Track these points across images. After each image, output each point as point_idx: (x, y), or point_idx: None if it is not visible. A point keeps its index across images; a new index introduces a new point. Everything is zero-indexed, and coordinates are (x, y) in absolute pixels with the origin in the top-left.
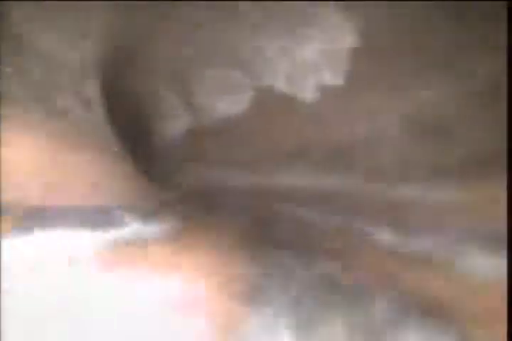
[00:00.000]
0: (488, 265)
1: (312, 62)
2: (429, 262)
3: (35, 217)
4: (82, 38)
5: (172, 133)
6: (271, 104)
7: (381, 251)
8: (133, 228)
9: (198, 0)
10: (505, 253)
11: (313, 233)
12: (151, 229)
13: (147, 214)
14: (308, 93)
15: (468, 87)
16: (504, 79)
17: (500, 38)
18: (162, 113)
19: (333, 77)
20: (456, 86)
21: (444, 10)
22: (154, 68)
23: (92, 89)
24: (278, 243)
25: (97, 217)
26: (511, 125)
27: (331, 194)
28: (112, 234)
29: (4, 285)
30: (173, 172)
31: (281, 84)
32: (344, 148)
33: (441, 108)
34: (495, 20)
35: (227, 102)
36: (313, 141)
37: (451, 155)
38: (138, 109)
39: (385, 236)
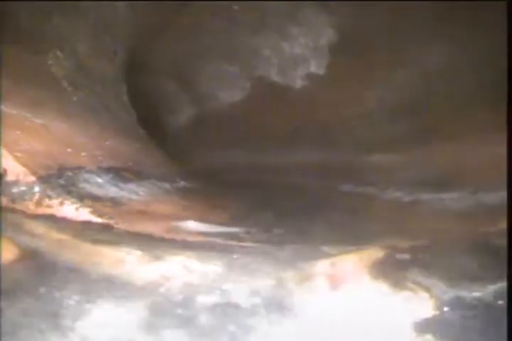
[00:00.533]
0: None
1: (299, 55)
2: (400, 203)
3: None
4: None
5: (180, 120)
6: (265, 92)
7: (363, 198)
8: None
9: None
10: None
11: (306, 195)
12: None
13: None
14: (297, 81)
15: (425, 74)
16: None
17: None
18: (171, 104)
19: (317, 68)
20: (418, 72)
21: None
22: (163, 67)
23: (122, 90)
24: (274, 207)
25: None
26: (511, 125)
27: (320, 164)
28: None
29: None
30: (182, 152)
31: (273, 75)
32: (329, 126)
33: (408, 91)
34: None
35: (227, 92)
36: (303, 121)
37: (415, 129)
38: (152, 102)
39: (367, 190)
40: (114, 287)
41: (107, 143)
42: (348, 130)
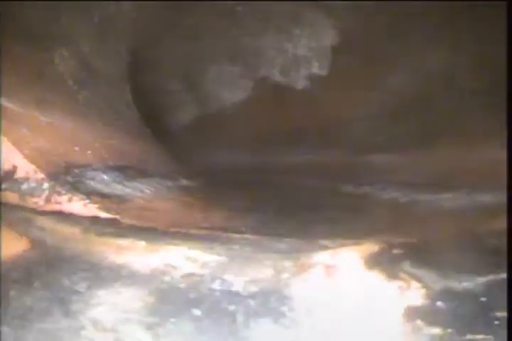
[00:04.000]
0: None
1: (302, 56)
2: (397, 203)
3: None
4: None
5: (183, 119)
6: (268, 93)
7: (362, 197)
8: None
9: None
10: None
11: (307, 194)
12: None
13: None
14: (299, 82)
15: (425, 75)
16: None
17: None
18: (174, 103)
19: (319, 69)
20: (418, 74)
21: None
22: (166, 67)
23: (126, 89)
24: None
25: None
26: (511, 125)
27: (321, 164)
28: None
29: None
30: (184, 151)
31: (276, 75)
32: (330, 127)
33: (408, 94)
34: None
35: (230, 92)
36: (305, 122)
37: (414, 131)
38: (155, 101)
39: (366, 190)
40: (120, 275)
41: (112, 141)
42: (349, 131)
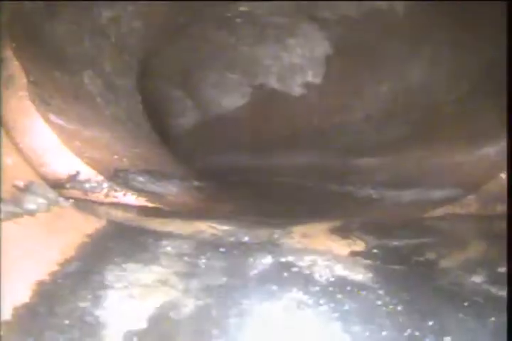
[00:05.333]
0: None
1: (297, 65)
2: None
3: None
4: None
5: (186, 124)
6: (265, 99)
7: (344, 195)
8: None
9: None
10: None
11: (296, 191)
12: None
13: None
14: (294, 89)
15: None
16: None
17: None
18: (178, 110)
19: (313, 77)
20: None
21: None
22: (171, 76)
23: (138, 100)
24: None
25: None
26: (511, 123)
27: (311, 166)
28: None
29: None
30: (189, 155)
31: (273, 83)
32: (323, 131)
33: (393, 103)
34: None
35: (230, 98)
36: (300, 127)
37: (392, 137)
38: (161, 109)
39: (348, 189)
40: (167, 237)
41: (136, 150)
42: (338, 136)
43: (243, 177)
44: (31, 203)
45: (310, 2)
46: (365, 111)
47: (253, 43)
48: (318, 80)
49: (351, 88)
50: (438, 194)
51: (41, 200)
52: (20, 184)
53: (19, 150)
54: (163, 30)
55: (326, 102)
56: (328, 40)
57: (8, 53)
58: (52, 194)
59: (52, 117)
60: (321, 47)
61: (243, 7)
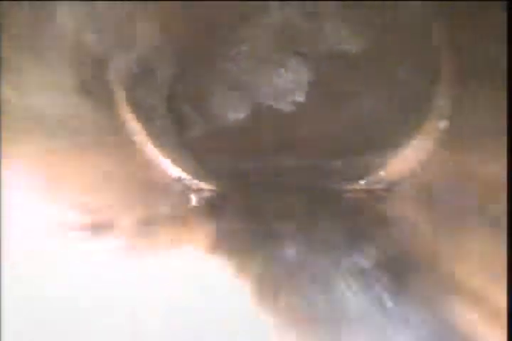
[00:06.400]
0: None
1: (288, 88)
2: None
3: None
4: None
5: (195, 135)
6: (263, 113)
7: (324, 191)
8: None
9: None
10: None
11: (290, 190)
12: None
13: None
14: (287, 106)
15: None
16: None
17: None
18: (187, 122)
19: (299, 97)
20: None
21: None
22: (180, 93)
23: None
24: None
25: None
26: (511, 122)
27: (301, 168)
28: None
29: None
30: (198, 160)
31: (269, 101)
32: (309, 141)
33: (372, 118)
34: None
35: (233, 113)
36: (291, 137)
37: (367, 143)
38: (170, 121)
39: (328, 185)
40: None
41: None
42: (322, 143)
43: (243, 179)
44: None
45: (292, 41)
46: (342, 122)
47: (253, 73)
48: (302, 99)
49: (331, 104)
50: (397, 188)
51: None
52: None
53: None
54: (187, 62)
55: (310, 116)
56: (309, 70)
57: None
58: None
59: None
60: (305, 75)
61: (245, 47)
